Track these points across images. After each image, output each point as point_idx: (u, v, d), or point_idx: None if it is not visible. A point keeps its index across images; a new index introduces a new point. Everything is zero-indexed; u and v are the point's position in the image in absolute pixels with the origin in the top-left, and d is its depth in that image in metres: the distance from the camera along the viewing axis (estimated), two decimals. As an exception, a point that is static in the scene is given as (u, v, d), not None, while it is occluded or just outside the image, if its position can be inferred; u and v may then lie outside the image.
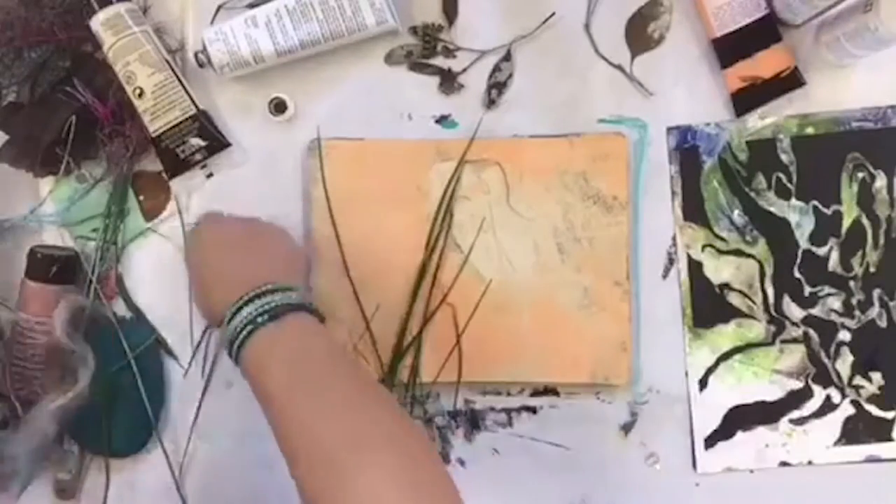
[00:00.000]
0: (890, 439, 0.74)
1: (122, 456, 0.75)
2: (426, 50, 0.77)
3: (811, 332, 0.75)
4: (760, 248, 0.75)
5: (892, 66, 0.75)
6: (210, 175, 0.78)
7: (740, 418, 0.74)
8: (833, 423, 0.74)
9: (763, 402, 0.74)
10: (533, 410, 0.75)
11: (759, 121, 0.76)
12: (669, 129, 0.76)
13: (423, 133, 0.77)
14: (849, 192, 0.75)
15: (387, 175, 0.75)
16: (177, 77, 0.75)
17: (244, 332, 0.58)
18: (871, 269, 0.75)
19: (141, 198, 0.78)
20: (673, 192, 0.76)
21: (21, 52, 0.76)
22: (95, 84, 0.76)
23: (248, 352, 0.58)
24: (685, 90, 0.76)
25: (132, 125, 0.76)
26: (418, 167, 0.75)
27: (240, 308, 0.59)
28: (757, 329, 0.75)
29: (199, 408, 0.76)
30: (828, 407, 0.74)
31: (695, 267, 0.76)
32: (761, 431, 0.74)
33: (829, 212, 0.75)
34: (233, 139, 0.77)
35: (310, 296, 0.61)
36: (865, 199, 0.75)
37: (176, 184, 0.77)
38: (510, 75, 0.77)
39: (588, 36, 0.77)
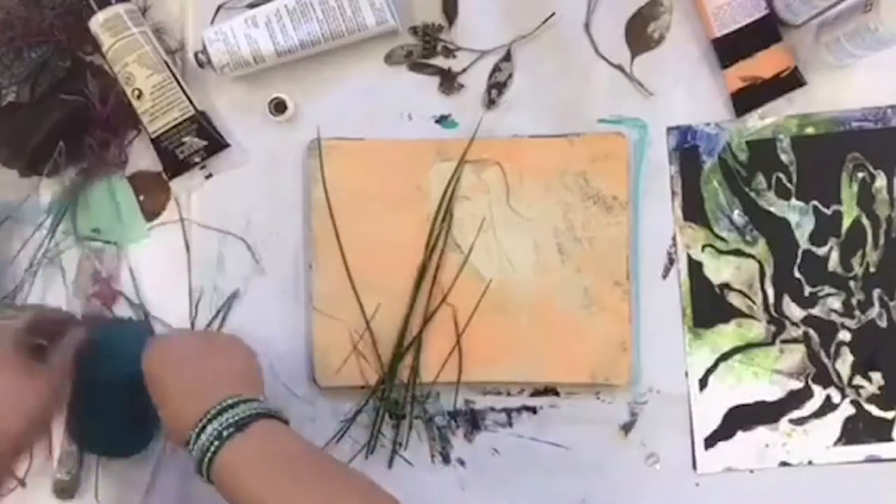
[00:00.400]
0: (890, 439, 0.74)
1: (122, 457, 0.75)
2: (426, 50, 0.77)
3: (811, 332, 0.75)
4: (760, 248, 0.75)
5: (892, 66, 0.75)
6: (209, 175, 0.78)
7: (740, 418, 0.74)
8: (833, 423, 0.74)
9: (763, 402, 0.74)
10: (533, 410, 0.75)
11: (759, 121, 0.76)
12: (669, 129, 0.76)
13: (423, 133, 0.77)
14: (849, 192, 0.75)
15: (387, 175, 0.75)
16: (175, 78, 0.75)
17: (212, 448, 0.57)
18: (871, 269, 0.75)
19: (141, 198, 0.78)
20: (673, 192, 0.76)
21: (21, 52, 0.76)
22: (91, 87, 0.76)
23: (219, 465, 0.57)
24: (685, 90, 0.76)
25: (122, 129, 0.77)
26: (418, 167, 0.75)
27: (204, 426, 0.58)
28: (757, 329, 0.75)
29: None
30: (828, 407, 0.74)
31: (695, 267, 0.76)
32: (761, 431, 0.74)
33: (829, 212, 0.75)
34: (233, 139, 0.77)
35: (272, 404, 0.61)
36: (865, 199, 0.75)
37: (176, 184, 0.77)
38: (510, 75, 0.77)
39: (588, 36, 0.77)
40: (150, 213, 0.78)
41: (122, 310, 0.77)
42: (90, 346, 0.75)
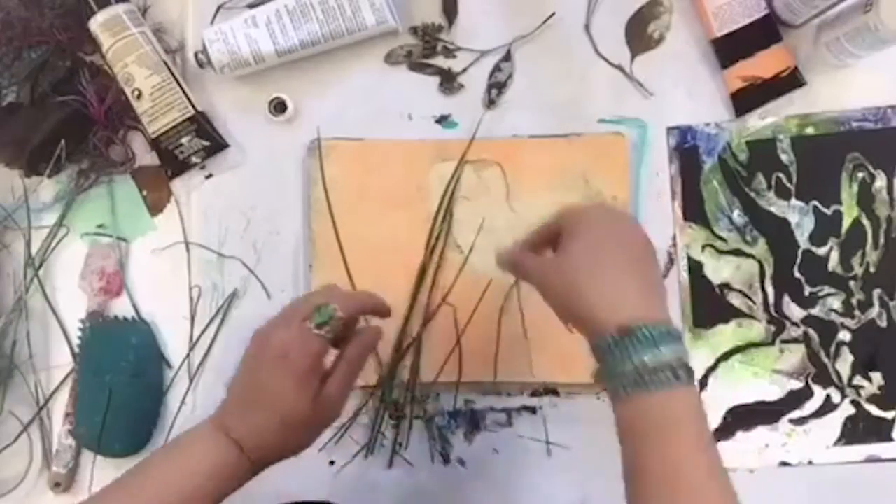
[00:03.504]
0: (890, 439, 0.74)
1: (121, 456, 0.75)
2: (426, 50, 0.77)
3: (811, 332, 0.75)
4: (760, 248, 0.75)
5: (892, 66, 0.75)
6: (209, 175, 0.78)
7: (740, 418, 0.74)
8: (833, 423, 0.74)
9: (763, 402, 0.74)
10: (533, 410, 0.75)
11: (759, 121, 0.76)
12: (669, 129, 0.76)
13: (423, 133, 0.77)
14: (849, 192, 0.75)
15: (387, 175, 0.75)
16: (175, 78, 0.75)
17: (662, 377, 0.49)
18: (871, 269, 0.75)
19: (144, 192, 0.78)
20: (673, 192, 0.76)
21: (21, 52, 0.76)
22: (87, 86, 0.76)
23: (651, 404, 0.50)
24: (685, 90, 0.76)
25: (124, 127, 0.77)
26: (418, 167, 0.75)
27: (649, 337, 0.49)
28: (757, 329, 0.75)
29: (188, 404, 0.76)
30: (828, 407, 0.74)
31: (695, 267, 0.76)
32: (761, 431, 0.74)
33: (829, 212, 0.75)
34: (233, 139, 0.77)
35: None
36: (865, 199, 0.75)
37: (176, 184, 0.77)
38: (510, 75, 0.77)
39: (588, 36, 0.77)
40: (154, 207, 0.78)
41: (126, 305, 0.77)
42: (91, 345, 0.76)
